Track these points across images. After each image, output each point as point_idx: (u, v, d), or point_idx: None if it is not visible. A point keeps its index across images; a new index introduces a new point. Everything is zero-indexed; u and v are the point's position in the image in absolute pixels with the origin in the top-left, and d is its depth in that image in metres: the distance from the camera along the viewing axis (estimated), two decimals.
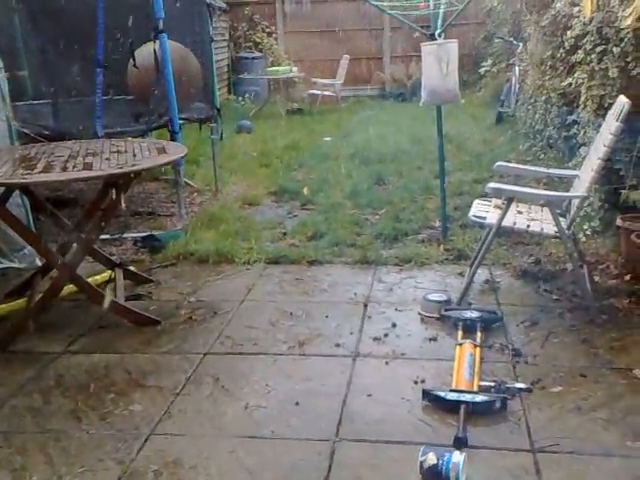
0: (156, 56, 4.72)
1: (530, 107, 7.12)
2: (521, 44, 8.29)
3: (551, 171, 4.29)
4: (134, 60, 4.93)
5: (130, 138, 4.17)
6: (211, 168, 6.06)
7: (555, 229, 3.25)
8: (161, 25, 4.63)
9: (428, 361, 2.89)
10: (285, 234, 4.74)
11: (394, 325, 3.23)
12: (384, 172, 6.30)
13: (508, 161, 5.57)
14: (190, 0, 5.66)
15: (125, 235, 4.61)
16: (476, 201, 3.81)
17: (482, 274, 3.80)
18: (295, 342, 3.08)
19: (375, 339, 3.10)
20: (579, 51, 4.51)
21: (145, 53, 4.98)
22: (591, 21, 4.18)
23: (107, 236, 4.46)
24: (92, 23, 4.75)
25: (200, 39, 5.88)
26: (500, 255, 4.09)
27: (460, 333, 3.06)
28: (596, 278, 3.67)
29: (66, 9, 5.09)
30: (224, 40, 12.18)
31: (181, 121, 5.02)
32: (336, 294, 3.69)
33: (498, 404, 2.48)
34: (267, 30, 12.93)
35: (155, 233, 4.60)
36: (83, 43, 5.03)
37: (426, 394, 2.54)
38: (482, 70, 10.82)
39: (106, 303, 3.21)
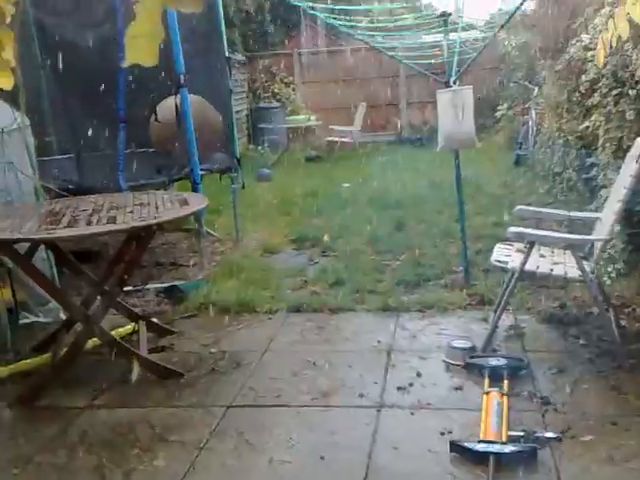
0: (177, 110, 4.83)
1: (548, 149, 7.13)
2: (536, 88, 8.36)
3: (572, 214, 4.25)
4: (156, 115, 5.05)
5: (153, 190, 4.24)
6: (232, 217, 6.12)
7: (579, 272, 3.21)
8: (182, 80, 4.75)
9: (455, 411, 2.84)
10: (306, 282, 4.74)
11: (419, 374, 3.19)
12: (404, 217, 6.32)
13: (528, 204, 5.55)
14: (210, 55, 5.81)
15: (148, 286, 4.65)
16: (497, 245, 3.79)
17: (507, 319, 3.75)
18: (318, 393, 3.05)
19: (399, 389, 3.05)
20: (595, 94, 4.54)
21: (166, 107, 5.09)
22: (606, 65, 4.21)
23: (130, 288, 4.49)
24: (115, 79, 4.90)
25: (220, 91, 6.01)
26: (524, 299, 4.04)
27: (486, 381, 3.01)
28: (623, 322, 3.61)
29: (89, 65, 5.24)
30: (243, 91, 12.45)
31: (202, 172, 5.09)
32: (359, 342, 3.66)
33: (528, 455, 2.42)
34: (285, 80, 13.20)
35: (177, 284, 4.64)
36: (106, 98, 5.16)
37: (454, 446, 2.49)
38: (498, 114, 10.90)
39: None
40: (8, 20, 1.06)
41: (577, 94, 5.23)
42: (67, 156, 5.64)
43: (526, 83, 9.23)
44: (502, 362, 3.13)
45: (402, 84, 13.05)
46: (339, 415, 2.87)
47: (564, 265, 3.41)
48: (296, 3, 4.67)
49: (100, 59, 5.10)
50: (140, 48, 1.00)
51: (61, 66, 4.98)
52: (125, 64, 1.01)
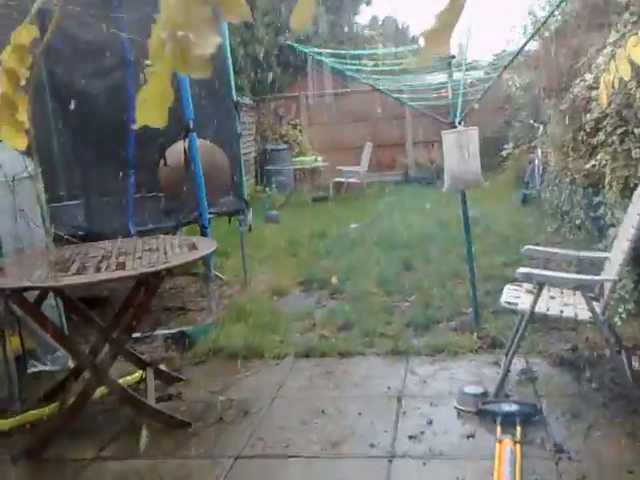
0: (186, 155, 4.88)
1: (555, 188, 7.13)
2: (541, 126, 8.40)
3: (581, 254, 4.23)
4: (165, 160, 5.10)
5: (161, 235, 4.27)
6: (240, 259, 6.12)
7: (589, 314, 3.18)
8: (191, 125, 4.81)
9: (467, 460, 2.78)
10: (314, 325, 4.71)
11: (430, 421, 3.14)
12: (412, 257, 6.30)
13: (537, 243, 5.54)
14: (219, 99, 5.90)
15: (156, 332, 4.63)
16: (507, 286, 3.76)
17: (518, 363, 3.70)
18: (328, 443, 3.00)
19: (411, 437, 3.00)
20: (600, 133, 4.56)
21: (175, 152, 5.15)
22: (610, 104, 4.24)
23: (138, 334, 4.47)
24: (123, 125, 4.97)
25: (229, 135, 6.08)
26: (535, 342, 4.00)
27: (499, 428, 2.96)
28: (635, 364, 3.55)
29: (99, 112, 5.32)
30: (251, 134, 12.60)
31: (210, 215, 5.12)
32: (369, 388, 3.62)
33: None
34: (292, 122, 13.37)
35: (185, 329, 4.62)
36: (115, 144, 5.23)
37: None
38: (504, 153, 10.96)
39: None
40: (22, 82, 1.09)
41: (582, 133, 5.25)
42: (77, 202, 5.69)
43: (531, 122, 9.29)
44: (515, 408, 3.08)
45: (408, 124, 13.18)
46: (350, 465, 2.82)
47: (574, 306, 3.38)
48: (303, 49, 4.76)
49: (109, 106, 5.18)
50: (150, 111, 1.02)
51: (71, 112, 5.06)
52: (135, 126, 1.03)
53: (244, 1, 0.97)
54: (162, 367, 3.93)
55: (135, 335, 4.27)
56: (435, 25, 0.84)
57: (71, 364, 3.89)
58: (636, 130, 3.95)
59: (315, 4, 1.02)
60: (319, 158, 12.20)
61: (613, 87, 2.77)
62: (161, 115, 1.04)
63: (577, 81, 5.51)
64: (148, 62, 0.98)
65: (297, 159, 12.20)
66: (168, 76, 1.03)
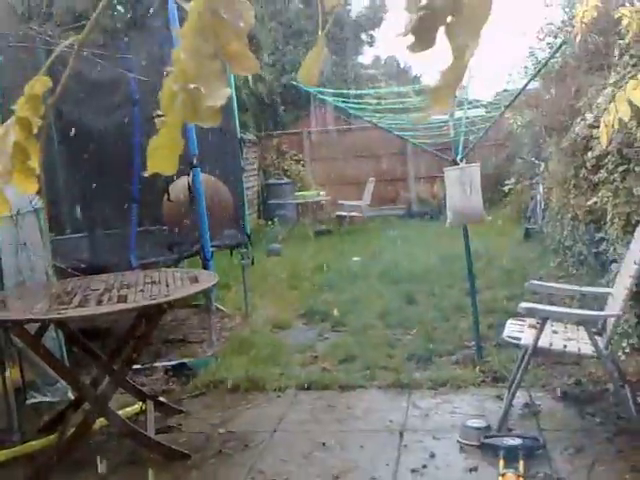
0: (190, 189, 4.93)
1: (558, 224, 7.16)
2: (543, 163, 8.47)
3: (584, 289, 4.24)
4: (168, 194, 5.15)
5: (164, 268, 4.28)
6: (241, 292, 6.12)
7: (592, 349, 3.17)
8: (195, 161, 4.87)
9: None
10: (316, 358, 4.69)
11: (432, 455, 3.11)
12: (414, 291, 6.30)
13: (539, 278, 5.55)
14: (223, 135, 5.98)
15: (156, 364, 4.61)
16: (509, 321, 3.76)
17: (521, 397, 3.67)
18: (329, 476, 2.97)
19: (413, 471, 2.97)
20: (601, 170, 4.59)
21: (179, 186, 5.21)
22: (610, 142, 4.28)
23: (138, 366, 4.46)
24: (127, 159, 5.04)
25: (232, 170, 6.15)
26: (538, 376, 3.97)
27: (502, 462, 2.92)
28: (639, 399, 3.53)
29: (103, 146, 5.40)
30: (254, 169, 12.71)
31: (213, 248, 5.15)
32: (370, 422, 3.59)
33: None
34: (295, 158, 13.49)
35: (186, 361, 4.60)
36: (119, 178, 5.29)
37: None
38: (506, 188, 11.02)
39: None
40: (35, 130, 1.14)
41: (584, 170, 5.29)
42: (80, 235, 5.72)
43: (532, 159, 9.37)
44: (518, 442, 3.05)
45: (410, 159, 13.29)
46: None
47: (577, 341, 3.38)
48: (306, 89, 4.84)
49: (115, 142, 5.26)
50: (161, 159, 1.07)
51: (77, 148, 5.14)
52: (146, 174, 1.08)
53: (252, 55, 1.01)
54: (162, 399, 3.90)
55: (135, 366, 4.27)
56: (439, 83, 0.87)
57: (71, 395, 3.87)
58: (637, 168, 3.99)
59: (322, 61, 1.07)
60: (321, 193, 12.28)
61: (613, 127, 2.82)
62: (172, 163, 1.09)
63: (578, 120, 5.56)
64: (159, 112, 1.02)
65: (299, 193, 12.29)
66: (179, 126, 1.08)
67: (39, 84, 1.13)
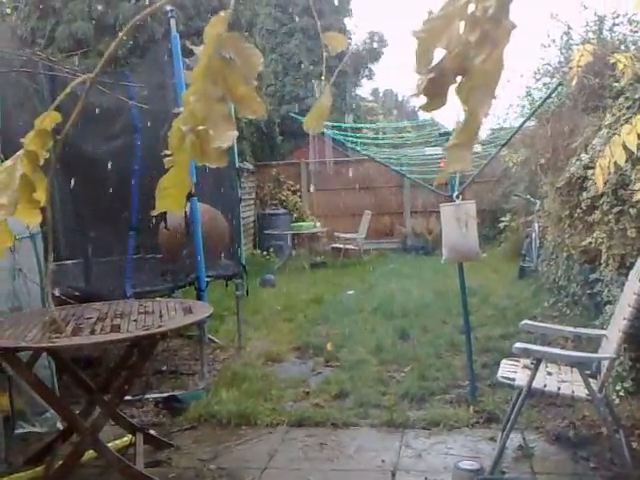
0: (187, 218, 4.93)
1: (552, 262, 7.18)
2: (538, 201, 8.53)
3: (578, 330, 4.23)
4: (165, 223, 5.15)
5: (158, 297, 4.25)
6: (235, 323, 6.09)
7: (586, 391, 3.15)
8: (193, 189, 4.87)
9: None
10: (308, 393, 4.65)
11: None
12: (408, 326, 6.27)
13: (534, 317, 5.54)
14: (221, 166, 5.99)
15: (147, 396, 4.56)
16: (504, 361, 3.74)
17: (515, 439, 3.63)
18: None
19: None
20: (596, 211, 4.62)
21: (176, 215, 5.20)
22: (606, 183, 4.32)
23: (129, 397, 4.40)
24: (125, 187, 5.03)
25: (229, 200, 6.16)
26: (532, 418, 3.94)
27: None
28: (634, 444, 3.49)
29: (100, 174, 5.39)
30: (251, 198, 12.76)
31: (208, 279, 5.13)
32: (362, 461, 3.54)
33: None
34: (292, 189, 13.56)
35: (177, 394, 4.55)
36: (116, 206, 5.28)
37: None
38: (501, 225, 11.08)
39: None
40: (41, 163, 1.15)
41: (579, 210, 5.32)
42: (75, 261, 5.69)
43: (528, 197, 9.44)
44: None
45: (406, 193, 13.37)
46: None
47: (571, 383, 3.36)
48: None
49: (114, 170, 5.26)
50: (170, 198, 1.09)
51: (75, 175, 5.13)
52: (154, 213, 1.09)
53: (259, 99, 1.03)
54: (152, 432, 3.85)
55: (126, 398, 4.21)
56: (454, 142, 0.88)
57: (60, 426, 3.82)
58: (632, 210, 4.01)
59: (328, 111, 1.09)
60: (317, 224, 12.32)
61: (609, 170, 2.85)
62: (180, 202, 1.11)
63: (573, 160, 5.62)
64: (168, 152, 1.04)
65: (296, 224, 12.32)
66: (187, 165, 1.10)
67: (49, 119, 1.14)
